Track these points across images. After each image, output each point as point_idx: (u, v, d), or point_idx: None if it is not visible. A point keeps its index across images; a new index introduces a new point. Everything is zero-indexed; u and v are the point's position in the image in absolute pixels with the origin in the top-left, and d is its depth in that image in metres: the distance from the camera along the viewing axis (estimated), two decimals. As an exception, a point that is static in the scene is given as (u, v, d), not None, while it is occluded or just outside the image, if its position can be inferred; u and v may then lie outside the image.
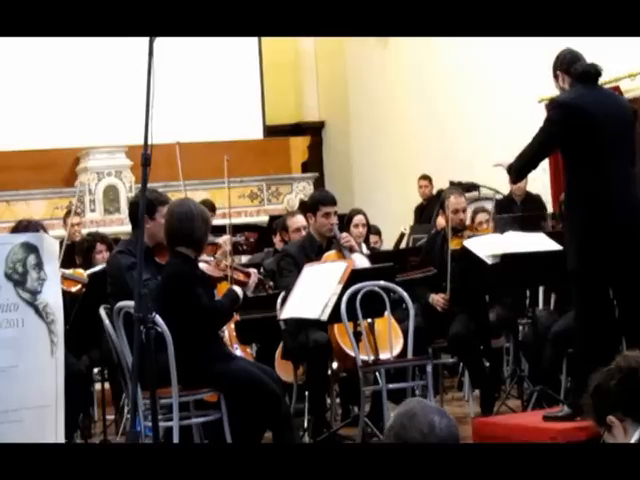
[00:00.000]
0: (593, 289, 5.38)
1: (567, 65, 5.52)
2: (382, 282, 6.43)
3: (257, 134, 14.61)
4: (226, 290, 5.77)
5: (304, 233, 7.39)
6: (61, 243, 7.13)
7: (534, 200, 10.31)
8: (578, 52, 5.58)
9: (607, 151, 5.38)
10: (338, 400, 7.24)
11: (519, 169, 5.64)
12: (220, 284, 5.89)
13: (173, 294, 5.49)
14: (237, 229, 9.37)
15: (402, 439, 2.56)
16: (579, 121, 5.35)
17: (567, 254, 5.49)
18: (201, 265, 5.72)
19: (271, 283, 6.58)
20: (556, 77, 5.59)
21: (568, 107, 5.41)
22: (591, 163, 5.37)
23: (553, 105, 5.56)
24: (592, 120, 5.35)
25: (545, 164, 10.58)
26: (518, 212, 9.80)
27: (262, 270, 7.48)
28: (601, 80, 5.59)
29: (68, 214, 10.59)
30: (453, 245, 7.16)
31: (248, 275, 5.94)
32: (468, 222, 7.67)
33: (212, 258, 5.85)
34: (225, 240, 6.28)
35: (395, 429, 2.58)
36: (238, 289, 5.74)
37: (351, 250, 6.88)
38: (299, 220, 7.64)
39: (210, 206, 8.67)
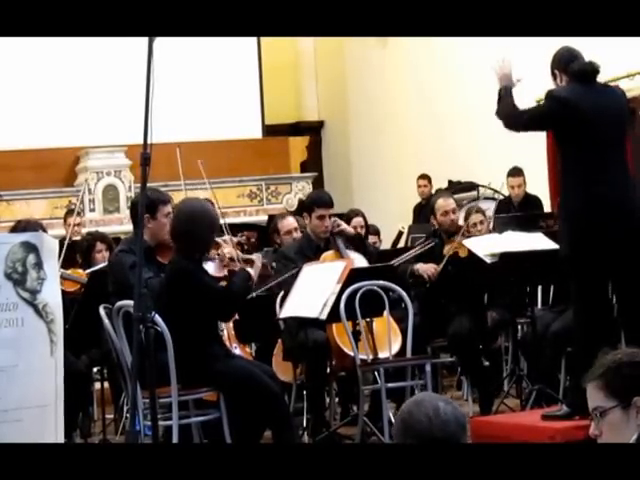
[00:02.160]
0: (588, 279, 5.39)
1: (564, 63, 5.54)
2: (381, 281, 6.44)
3: (256, 133, 14.60)
4: (237, 271, 5.75)
5: (295, 235, 7.40)
6: (62, 243, 7.15)
7: (532, 202, 10.25)
8: (576, 50, 5.59)
9: (600, 146, 5.41)
10: (337, 399, 7.24)
11: (504, 119, 5.64)
12: (225, 282, 5.89)
13: (178, 290, 5.49)
14: (237, 229, 9.37)
15: (408, 424, 2.59)
16: (571, 116, 5.39)
17: (560, 242, 5.53)
18: (206, 266, 5.71)
19: (274, 264, 6.56)
20: (554, 75, 5.61)
21: (562, 101, 5.44)
22: (584, 157, 5.41)
23: (548, 96, 5.58)
24: (585, 116, 5.38)
25: (544, 165, 10.63)
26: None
27: None
28: (600, 80, 5.60)
29: (69, 213, 10.61)
30: (447, 250, 7.18)
31: (252, 263, 5.92)
32: (462, 223, 7.65)
33: (216, 256, 5.84)
34: (226, 240, 6.29)
35: (402, 414, 2.63)
36: (250, 269, 5.72)
37: (346, 239, 6.86)
38: (289, 223, 7.63)
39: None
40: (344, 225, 7.03)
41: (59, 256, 6.14)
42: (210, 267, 5.75)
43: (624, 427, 2.92)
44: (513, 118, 5.60)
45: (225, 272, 5.83)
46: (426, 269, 7.16)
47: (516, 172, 10.19)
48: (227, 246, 5.88)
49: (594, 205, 5.36)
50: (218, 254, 5.87)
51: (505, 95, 5.63)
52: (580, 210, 5.39)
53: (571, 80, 5.50)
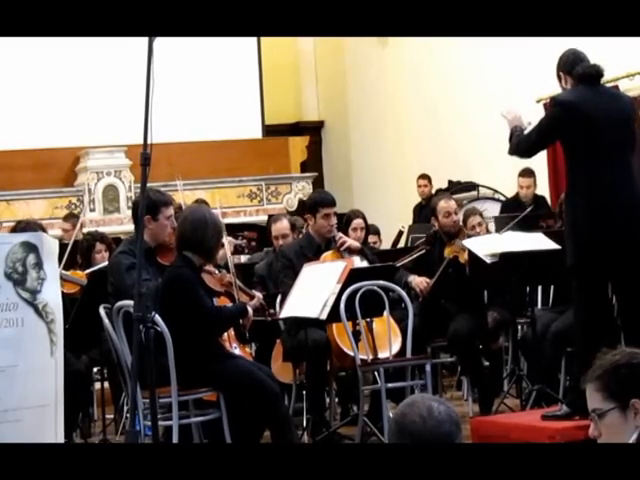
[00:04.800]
0: (592, 285, 5.40)
1: (569, 66, 5.53)
2: (381, 281, 6.44)
3: (256, 133, 14.59)
4: (239, 302, 5.80)
5: (283, 241, 7.39)
6: (62, 244, 7.14)
7: (541, 203, 10.24)
8: (581, 52, 5.58)
9: (606, 150, 5.40)
10: (337, 399, 7.24)
11: (515, 150, 5.69)
12: (219, 298, 5.90)
13: (174, 295, 5.50)
14: (236, 229, 9.38)
15: (403, 425, 2.60)
16: (576, 120, 5.38)
17: (566, 250, 5.53)
18: (204, 277, 5.72)
19: (272, 310, 6.58)
20: (559, 78, 5.61)
21: (566, 105, 5.44)
22: (590, 161, 5.40)
23: (552, 103, 5.59)
24: (590, 119, 5.37)
25: (544, 166, 10.63)
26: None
27: (254, 277, 7.44)
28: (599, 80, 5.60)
29: (67, 217, 10.62)
30: (447, 253, 7.19)
31: (252, 297, 5.96)
32: (460, 224, 7.65)
33: (217, 272, 5.85)
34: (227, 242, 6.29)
35: (396, 417, 2.64)
36: (250, 308, 5.76)
37: (349, 251, 6.87)
38: (282, 227, 7.61)
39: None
40: (349, 241, 6.99)
41: (60, 259, 6.15)
42: (208, 279, 5.75)
43: (623, 428, 2.92)
44: (523, 143, 5.60)
45: (222, 289, 5.84)
46: (418, 283, 7.17)
47: (527, 173, 10.18)
48: (229, 273, 5.91)
49: (597, 210, 5.35)
50: (219, 271, 5.88)
51: (516, 134, 5.64)
52: (584, 216, 5.38)
53: (575, 83, 5.49)
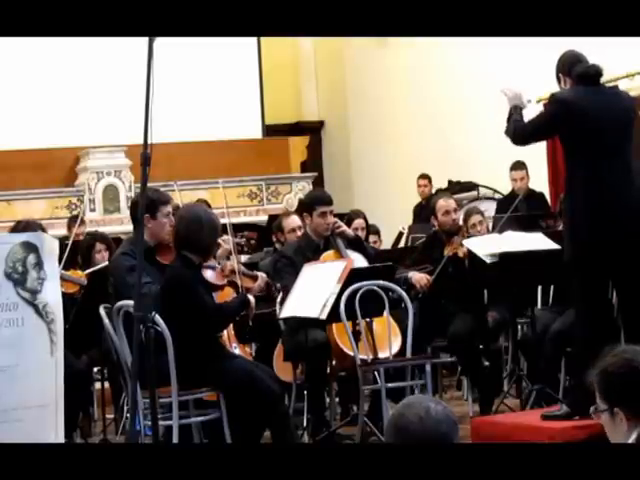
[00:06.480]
0: (591, 283, 5.40)
1: (569, 67, 5.55)
2: (381, 281, 6.44)
3: (256, 133, 14.60)
4: (239, 294, 5.81)
5: (299, 233, 7.39)
6: (62, 243, 7.14)
7: (537, 197, 10.29)
8: (580, 53, 5.60)
9: (605, 149, 5.41)
10: (337, 399, 7.24)
11: (511, 135, 5.69)
12: (222, 291, 5.90)
13: (174, 295, 5.51)
14: (237, 229, 9.38)
15: (400, 425, 2.61)
16: (574, 117, 5.40)
17: (564, 248, 5.54)
18: (205, 273, 5.72)
19: (278, 285, 6.58)
20: (558, 79, 5.63)
21: (564, 103, 5.45)
22: (589, 160, 5.41)
23: (551, 100, 5.59)
24: (588, 117, 5.39)
25: (544, 166, 10.63)
26: (522, 208, 9.75)
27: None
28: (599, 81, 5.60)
29: (72, 220, 10.60)
30: (447, 251, 7.19)
31: (255, 279, 5.96)
32: (461, 223, 7.65)
33: (217, 265, 5.85)
34: (226, 239, 6.29)
35: (394, 418, 2.65)
36: (250, 296, 5.77)
37: (346, 240, 6.87)
38: (294, 221, 7.64)
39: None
40: (344, 227, 7.04)
41: (60, 257, 6.15)
42: (209, 274, 5.75)
43: (613, 430, 2.97)
44: (520, 130, 5.61)
45: (224, 281, 5.84)
46: (419, 279, 7.17)
47: (518, 166, 10.23)
48: (228, 254, 5.89)
49: (595, 208, 5.36)
50: (219, 263, 5.88)
51: (515, 114, 5.65)
52: (582, 213, 5.39)
53: (574, 83, 5.51)
